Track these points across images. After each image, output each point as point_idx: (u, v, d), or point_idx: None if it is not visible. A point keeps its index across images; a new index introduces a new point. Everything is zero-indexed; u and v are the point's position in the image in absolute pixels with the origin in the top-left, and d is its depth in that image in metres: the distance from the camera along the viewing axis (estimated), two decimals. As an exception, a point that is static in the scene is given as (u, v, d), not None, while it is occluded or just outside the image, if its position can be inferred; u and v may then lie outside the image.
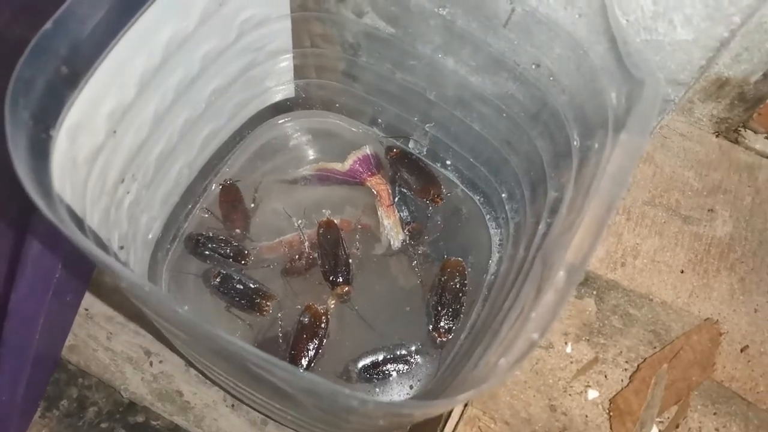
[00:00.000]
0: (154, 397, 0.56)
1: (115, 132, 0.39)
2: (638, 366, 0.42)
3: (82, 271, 0.56)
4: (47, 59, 0.30)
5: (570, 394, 0.42)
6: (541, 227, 0.44)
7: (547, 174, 0.46)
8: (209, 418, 0.56)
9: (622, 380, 0.42)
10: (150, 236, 0.52)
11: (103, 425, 0.55)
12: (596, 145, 0.39)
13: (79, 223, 0.36)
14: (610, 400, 0.41)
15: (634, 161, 0.34)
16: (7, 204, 0.54)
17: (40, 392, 0.55)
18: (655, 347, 0.43)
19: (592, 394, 0.42)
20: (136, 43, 0.36)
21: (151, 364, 0.57)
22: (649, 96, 0.34)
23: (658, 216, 0.47)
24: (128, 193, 0.45)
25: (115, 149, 0.40)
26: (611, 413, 0.41)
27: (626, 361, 0.42)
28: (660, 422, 0.41)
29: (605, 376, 0.42)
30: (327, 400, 0.29)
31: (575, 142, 0.42)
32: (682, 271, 0.45)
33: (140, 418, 0.55)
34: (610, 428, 0.41)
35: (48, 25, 0.30)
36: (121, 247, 0.45)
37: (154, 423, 0.55)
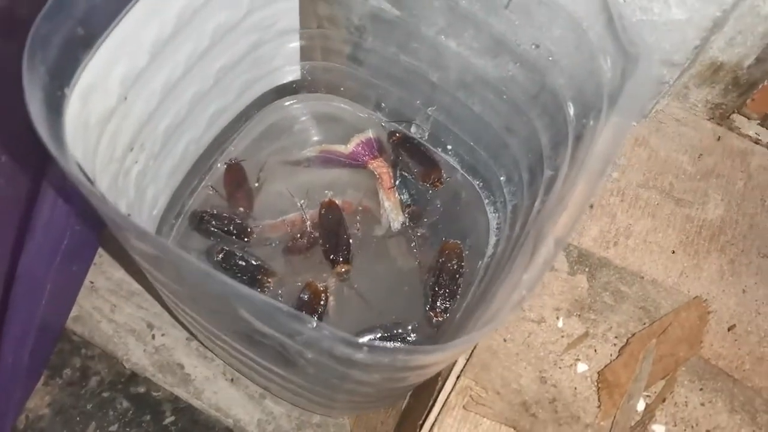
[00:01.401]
0: (155, 369, 0.57)
1: (126, 98, 0.40)
2: (627, 340, 0.43)
3: (88, 243, 0.58)
4: (64, 18, 0.32)
5: (560, 367, 0.43)
6: (537, 206, 0.45)
7: (544, 155, 0.48)
8: (209, 390, 0.57)
9: (611, 355, 0.43)
10: (155, 212, 0.53)
11: (105, 395, 0.56)
12: (591, 122, 0.40)
13: (90, 184, 0.37)
14: (598, 372, 0.42)
15: (623, 136, 0.35)
16: (20, 172, 0.56)
17: (45, 360, 0.56)
18: (644, 323, 0.44)
19: (582, 367, 0.43)
20: (150, 11, 0.37)
21: (153, 336, 0.58)
22: (642, 72, 0.36)
23: (651, 198, 0.48)
24: (136, 162, 0.46)
25: (125, 115, 0.41)
26: (600, 385, 0.42)
27: (616, 337, 0.43)
28: (647, 396, 0.42)
29: (595, 351, 0.43)
30: (328, 350, 0.30)
31: (572, 122, 0.44)
32: (673, 252, 0.46)
33: (141, 389, 0.57)
34: (598, 400, 0.42)
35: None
36: (128, 215, 0.46)
37: (154, 394, 0.57)
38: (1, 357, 0.49)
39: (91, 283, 0.59)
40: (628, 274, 0.45)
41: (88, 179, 0.37)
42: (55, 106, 0.33)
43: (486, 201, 0.58)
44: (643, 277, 0.45)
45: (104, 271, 0.60)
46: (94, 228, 0.58)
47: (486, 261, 0.55)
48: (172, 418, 0.56)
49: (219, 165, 0.59)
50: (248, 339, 0.42)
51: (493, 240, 0.56)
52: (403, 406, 0.57)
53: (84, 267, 0.58)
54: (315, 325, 0.28)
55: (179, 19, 0.41)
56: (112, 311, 0.59)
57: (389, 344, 0.30)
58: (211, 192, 0.58)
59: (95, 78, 0.36)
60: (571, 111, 0.43)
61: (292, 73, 0.60)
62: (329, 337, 0.28)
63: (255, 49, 0.52)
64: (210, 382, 0.57)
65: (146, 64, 0.40)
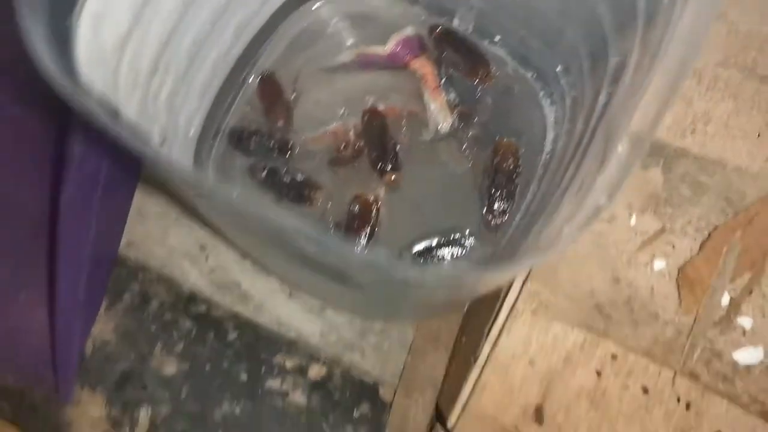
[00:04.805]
0: (213, 289, 0.57)
1: (139, 20, 0.37)
2: (709, 234, 0.40)
3: (129, 172, 0.57)
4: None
5: (635, 266, 0.41)
6: (602, 98, 0.41)
7: (608, 39, 0.43)
8: (268, 306, 0.57)
9: (691, 249, 0.41)
10: (191, 133, 0.51)
11: (167, 316, 0.57)
12: (666, 1, 0.36)
13: (115, 114, 0.35)
14: (678, 269, 0.40)
15: (710, 15, 0.31)
16: (49, 108, 0.54)
17: (103, 288, 0.57)
18: (727, 215, 0.41)
19: (659, 264, 0.40)
20: None
21: (206, 258, 0.58)
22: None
23: (732, 77, 0.43)
24: (164, 85, 0.43)
25: (142, 39, 0.38)
26: (680, 282, 0.40)
27: (696, 230, 0.41)
28: (732, 290, 0.40)
29: (673, 247, 0.41)
30: (385, 274, 0.28)
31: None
32: (758, 135, 0.42)
33: (202, 309, 0.57)
34: (679, 297, 0.40)
35: None
36: (163, 141, 0.44)
37: (215, 313, 0.57)
38: (59, 290, 0.49)
39: (139, 209, 0.59)
40: (708, 163, 0.41)
41: (113, 110, 0.34)
42: (62, 38, 0.30)
43: (541, 94, 0.54)
44: (725, 165, 0.41)
45: (150, 196, 0.59)
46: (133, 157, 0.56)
47: (544, 158, 0.52)
48: (235, 335, 0.56)
49: (252, 79, 0.56)
50: (304, 260, 0.41)
51: (551, 136, 0.53)
52: (465, 309, 0.57)
53: (128, 195, 0.57)
54: (365, 250, 0.26)
55: None
56: (164, 235, 0.58)
57: (449, 269, 0.28)
58: (247, 108, 0.56)
59: (101, 4, 0.32)
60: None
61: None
62: (383, 261, 0.26)
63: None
64: (268, 298, 0.57)
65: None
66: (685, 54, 0.30)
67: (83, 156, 0.46)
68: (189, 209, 0.59)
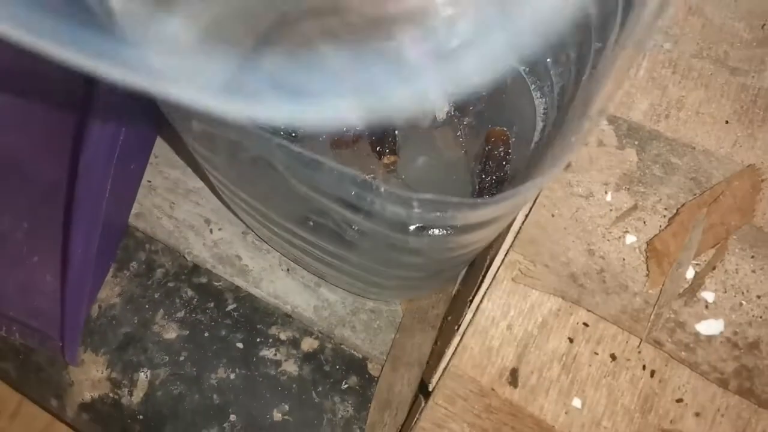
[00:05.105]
0: (215, 261, 0.60)
1: None
2: (677, 210, 0.43)
3: (143, 142, 0.60)
4: None
5: (608, 240, 0.43)
6: (584, 81, 0.44)
7: (593, 28, 0.46)
8: (266, 280, 0.60)
9: (660, 226, 0.43)
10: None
11: (171, 285, 0.59)
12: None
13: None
14: (647, 242, 0.43)
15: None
16: (71, 76, 0.57)
17: (112, 254, 0.60)
18: (695, 194, 0.43)
19: (630, 239, 0.43)
20: None
21: (211, 231, 0.61)
22: None
23: (705, 68, 0.46)
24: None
25: None
26: (648, 255, 0.42)
27: (666, 209, 0.44)
28: (697, 264, 0.42)
29: (644, 223, 0.43)
30: (390, 216, 0.30)
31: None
32: (726, 122, 0.45)
33: (203, 279, 0.60)
34: (647, 269, 0.42)
35: None
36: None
37: (216, 284, 0.60)
38: (72, 251, 0.52)
39: (149, 182, 0.62)
40: (679, 146, 0.44)
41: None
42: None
43: (532, 87, 0.57)
44: (694, 148, 0.44)
45: (161, 171, 0.62)
46: (148, 128, 0.60)
47: (533, 148, 0.55)
48: (234, 305, 0.59)
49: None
50: (305, 221, 0.44)
51: (540, 126, 0.56)
52: (453, 292, 0.59)
53: (141, 166, 0.60)
54: (382, 188, 0.29)
55: None
56: (171, 208, 0.61)
57: (448, 200, 0.30)
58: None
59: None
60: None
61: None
62: (393, 197, 0.29)
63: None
64: (267, 273, 0.60)
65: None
66: (644, 36, 0.33)
67: (103, 124, 0.50)
68: (200, 178, 0.62)
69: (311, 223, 0.43)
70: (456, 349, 0.44)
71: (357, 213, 0.35)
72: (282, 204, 0.43)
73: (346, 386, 0.58)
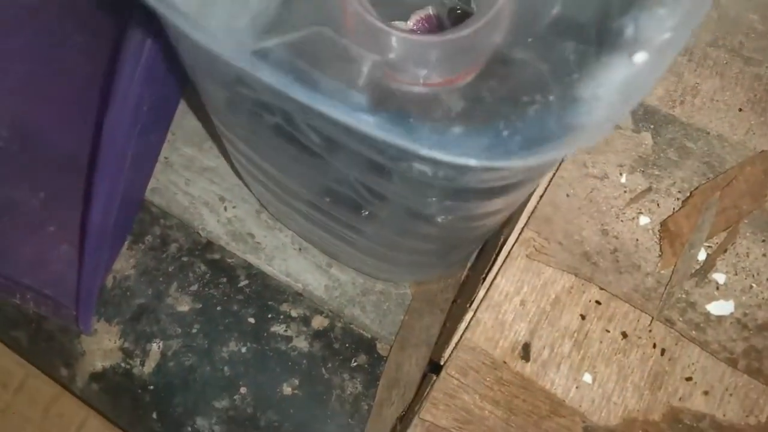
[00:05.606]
0: (228, 238, 0.61)
1: None
2: (691, 193, 0.44)
3: (162, 115, 0.61)
4: None
5: (622, 220, 0.44)
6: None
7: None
8: (278, 258, 0.61)
9: (673, 209, 0.44)
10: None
11: (184, 259, 0.60)
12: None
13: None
14: (660, 223, 0.44)
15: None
16: (96, 48, 0.58)
17: (128, 226, 0.61)
18: (708, 178, 0.44)
19: (644, 220, 0.44)
20: None
21: (225, 208, 0.62)
22: None
23: (720, 57, 0.48)
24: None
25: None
26: (661, 235, 0.43)
27: (679, 191, 0.45)
28: (708, 247, 0.44)
29: (658, 205, 0.45)
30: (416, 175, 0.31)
31: None
32: (740, 110, 0.46)
33: (217, 256, 0.61)
34: (660, 249, 0.43)
35: None
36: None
37: (229, 260, 0.61)
38: (91, 219, 0.53)
39: (166, 158, 0.63)
40: (693, 131, 0.45)
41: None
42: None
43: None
44: (708, 133, 0.45)
45: (177, 148, 0.63)
46: (168, 102, 0.60)
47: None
48: (246, 282, 0.60)
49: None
50: (325, 192, 0.45)
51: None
52: (462, 277, 0.60)
53: (160, 139, 0.61)
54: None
55: None
56: (187, 185, 0.62)
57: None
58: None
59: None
60: None
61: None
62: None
63: None
64: (279, 251, 0.61)
65: None
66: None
67: (125, 95, 0.51)
68: (216, 152, 0.63)
69: (331, 194, 0.44)
70: (469, 323, 0.45)
71: (381, 175, 0.36)
72: (303, 173, 0.44)
73: (355, 364, 0.58)
